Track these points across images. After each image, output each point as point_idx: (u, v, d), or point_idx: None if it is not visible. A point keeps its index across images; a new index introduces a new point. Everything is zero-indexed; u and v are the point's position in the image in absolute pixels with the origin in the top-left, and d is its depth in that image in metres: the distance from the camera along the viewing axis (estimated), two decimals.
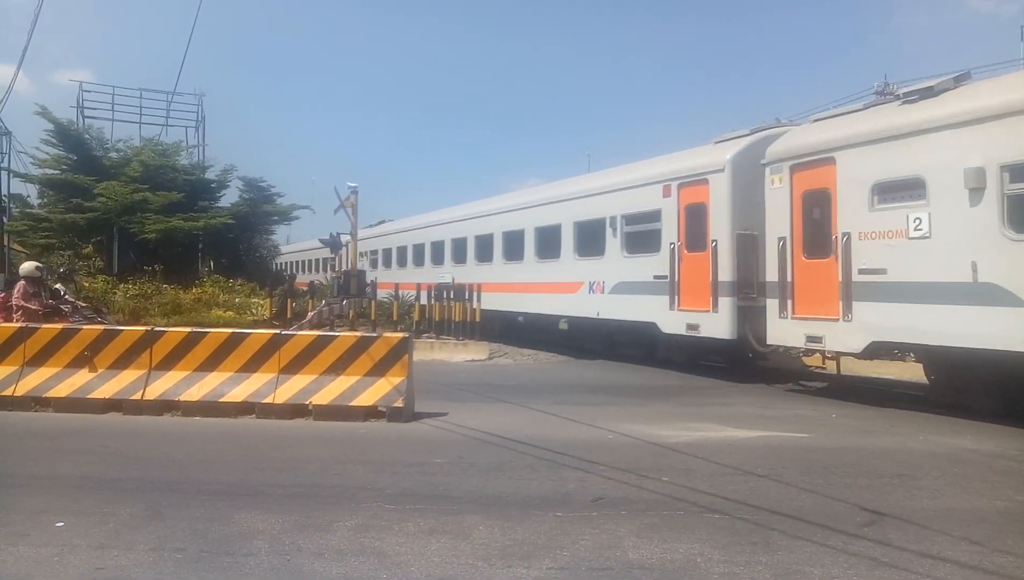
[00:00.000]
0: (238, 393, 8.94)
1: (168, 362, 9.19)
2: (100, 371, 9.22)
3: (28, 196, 35.93)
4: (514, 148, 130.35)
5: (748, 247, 12.17)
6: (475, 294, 18.23)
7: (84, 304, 14.78)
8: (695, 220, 13.10)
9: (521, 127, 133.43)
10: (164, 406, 8.99)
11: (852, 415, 9.66)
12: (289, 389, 8.93)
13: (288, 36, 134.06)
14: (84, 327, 10.03)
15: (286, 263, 44.57)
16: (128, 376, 9.19)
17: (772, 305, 11.42)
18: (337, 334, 9.64)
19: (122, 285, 22.98)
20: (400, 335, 9.45)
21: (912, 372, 12.51)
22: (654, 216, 13.99)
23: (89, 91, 34.60)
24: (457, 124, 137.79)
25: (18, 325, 10.10)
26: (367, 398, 8.79)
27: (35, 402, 9.13)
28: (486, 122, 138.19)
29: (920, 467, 6.74)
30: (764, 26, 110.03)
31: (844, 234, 10.28)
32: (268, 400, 8.87)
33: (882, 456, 7.25)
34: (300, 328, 14.47)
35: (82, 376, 9.20)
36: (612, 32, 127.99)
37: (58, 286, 14.21)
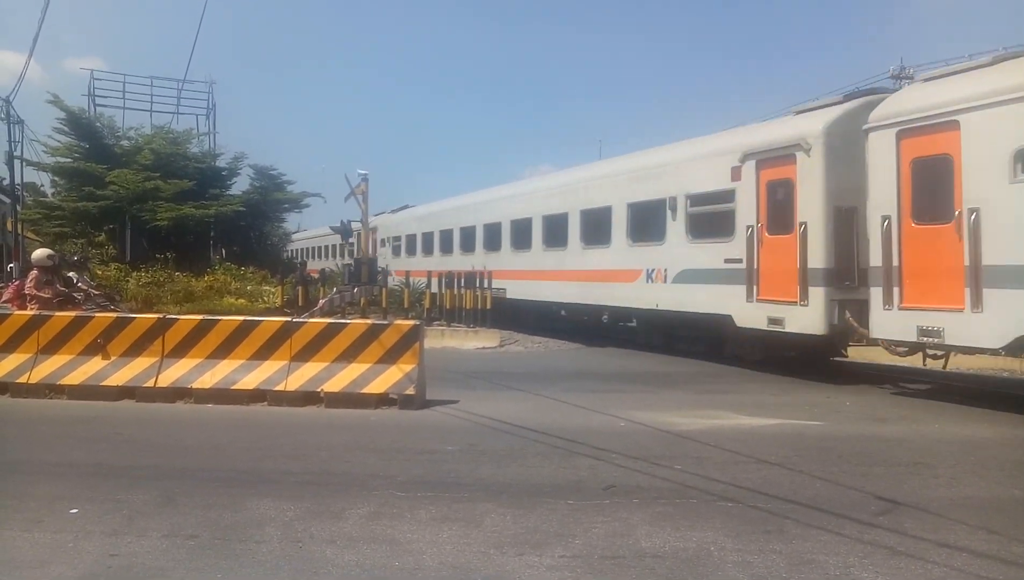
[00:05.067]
0: (250, 380, 8.97)
1: (181, 349, 9.22)
2: (113, 358, 9.26)
3: (41, 185, 36.18)
4: (526, 134, 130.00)
5: (846, 228, 10.71)
6: (487, 280, 18.21)
7: (98, 291, 14.84)
8: (779, 199, 11.57)
9: (532, 114, 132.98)
10: (177, 393, 9.03)
11: (866, 403, 9.58)
12: (301, 376, 8.94)
13: (299, 22, 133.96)
14: (97, 315, 10.08)
15: (297, 250, 44.64)
16: (141, 363, 9.22)
17: (876, 293, 9.95)
18: (348, 322, 9.63)
19: (135, 273, 23.07)
20: (411, 323, 9.44)
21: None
22: (727, 196, 12.46)
23: (100, 79, 34.50)
24: (468, 110, 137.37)
25: (32, 313, 10.15)
26: (378, 386, 8.79)
27: (49, 389, 9.19)
28: (498, 108, 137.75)
29: (936, 455, 6.68)
30: (779, 10, 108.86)
31: (972, 210, 8.67)
32: (280, 387, 8.89)
33: (897, 444, 7.20)
34: (311, 315, 14.47)
35: (95, 363, 9.25)
36: (622, 16, 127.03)
37: (71, 274, 14.27)
